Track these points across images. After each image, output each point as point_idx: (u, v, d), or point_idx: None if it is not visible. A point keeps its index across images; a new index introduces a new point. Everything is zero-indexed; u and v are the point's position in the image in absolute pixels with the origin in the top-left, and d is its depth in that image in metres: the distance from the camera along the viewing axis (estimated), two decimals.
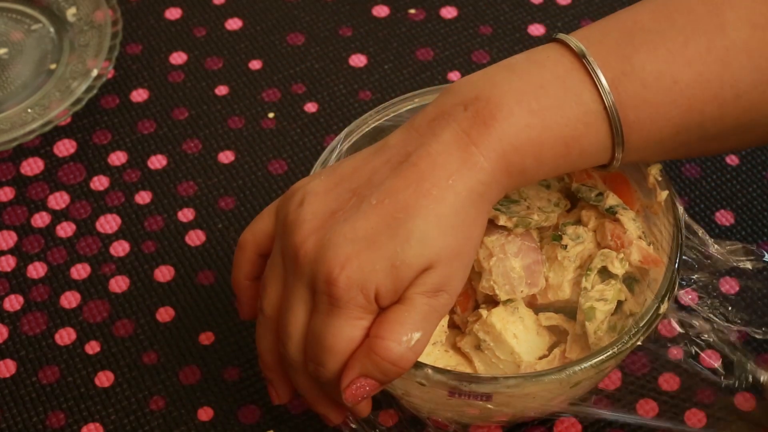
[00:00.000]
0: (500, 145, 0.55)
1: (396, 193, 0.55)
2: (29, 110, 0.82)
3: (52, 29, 0.88)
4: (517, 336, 0.64)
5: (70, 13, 0.88)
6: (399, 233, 0.54)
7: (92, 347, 0.72)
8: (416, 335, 0.55)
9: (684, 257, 0.63)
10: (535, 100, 0.56)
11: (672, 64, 0.56)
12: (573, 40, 0.58)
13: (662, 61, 0.56)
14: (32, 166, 0.82)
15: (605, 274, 0.64)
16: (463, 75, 0.87)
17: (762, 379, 0.65)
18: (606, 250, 0.64)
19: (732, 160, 0.81)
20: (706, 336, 0.65)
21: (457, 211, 0.55)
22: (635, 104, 0.56)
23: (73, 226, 0.78)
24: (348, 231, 0.55)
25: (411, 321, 0.55)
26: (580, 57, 0.57)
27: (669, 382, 0.70)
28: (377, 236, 0.54)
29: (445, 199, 0.55)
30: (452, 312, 0.66)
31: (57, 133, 0.83)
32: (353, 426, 0.64)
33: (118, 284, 0.75)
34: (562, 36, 0.58)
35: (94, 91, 0.82)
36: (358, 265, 0.54)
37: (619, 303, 0.64)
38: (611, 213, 0.65)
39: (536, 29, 0.90)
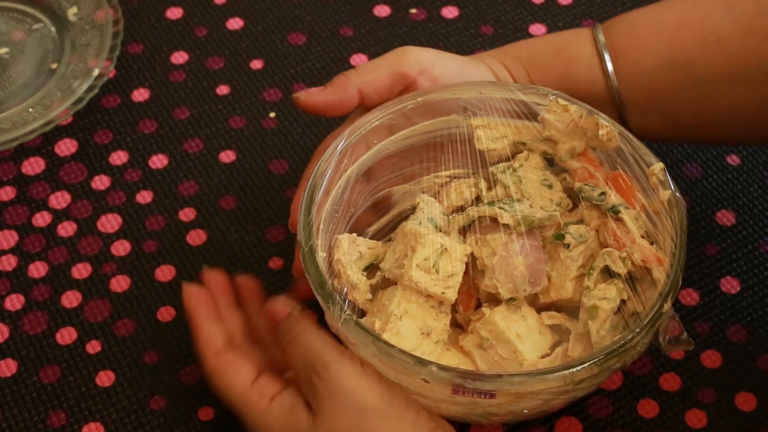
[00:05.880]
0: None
1: None
2: (30, 110, 0.82)
3: (53, 29, 0.88)
4: (520, 335, 0.63)
5: (72, 12, 0.88)
6: None
7: (93, 347, 0.72)
8: None
9: None
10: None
11: (658, 12, 0.70)
12: None
13: (649, 10, 0.71)
14: (33, 166, 0.82)
15: (608, 273, 0.64)
16: None
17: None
18: (608, 250, 0.64)
19: (733, 160, 0.81)
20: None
21: None
22: (621, 36, 0.70)
23: (74, 226, 0.78)
24: None
25: None
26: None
27: (669, 382, 0.70)
28: None
29: None
30: (454, 310, 0.66)
31: (58, 132, 0.83)
32: None
33: (119, 284, 0.75)
34: None
35: (96, 91, 0.82)
36: None
37: (622, 302, 0.64)
38: (614, 212, 0.65)
39: (537, 29, 0.90)
